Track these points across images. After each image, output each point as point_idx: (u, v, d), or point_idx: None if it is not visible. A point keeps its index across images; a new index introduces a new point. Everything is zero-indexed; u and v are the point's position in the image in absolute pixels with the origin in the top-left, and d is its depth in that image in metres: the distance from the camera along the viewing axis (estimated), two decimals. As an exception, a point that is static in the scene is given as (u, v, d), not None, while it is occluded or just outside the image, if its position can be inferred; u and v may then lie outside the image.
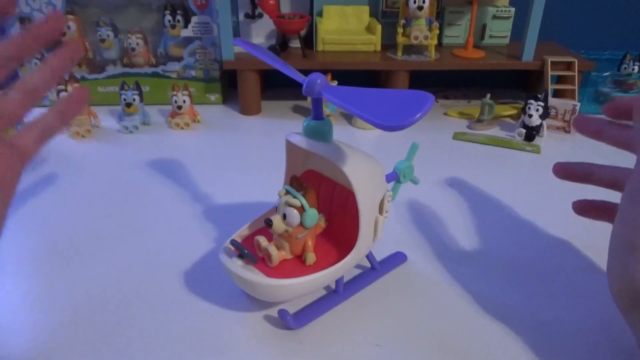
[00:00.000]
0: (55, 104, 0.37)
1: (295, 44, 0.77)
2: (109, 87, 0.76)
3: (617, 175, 0.37)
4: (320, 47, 0.76)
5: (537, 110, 0.66)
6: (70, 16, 0.72)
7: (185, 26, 0.74)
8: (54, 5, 0.70)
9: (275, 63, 0.37)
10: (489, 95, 0.71)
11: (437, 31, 0.73)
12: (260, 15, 0.78)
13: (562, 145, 0.67)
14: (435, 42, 0.74)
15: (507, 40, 0.82)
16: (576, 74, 0.73)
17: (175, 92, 0.68)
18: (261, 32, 0.80)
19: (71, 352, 0.33)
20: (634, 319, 0.30)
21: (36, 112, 0.35)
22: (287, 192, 0.34)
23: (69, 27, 0.72)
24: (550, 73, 0.73)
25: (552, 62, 0.73)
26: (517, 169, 0.60)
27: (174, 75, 0.77)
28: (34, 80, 0.35)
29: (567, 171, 0.41)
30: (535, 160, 0.63)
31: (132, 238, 0.46)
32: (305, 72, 0.34)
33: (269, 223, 0.34)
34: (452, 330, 0.36)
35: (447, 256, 0.44)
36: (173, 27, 0.74)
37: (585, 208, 0.41)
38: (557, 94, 0.74)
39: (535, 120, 0.67)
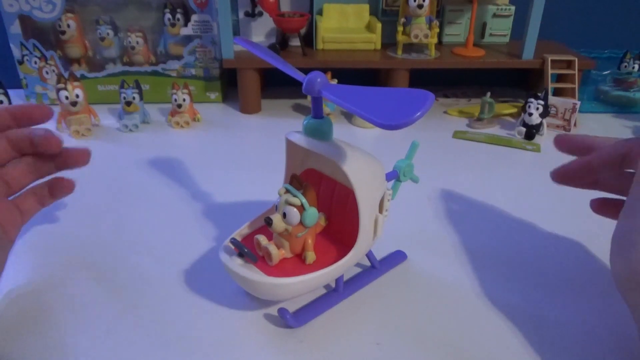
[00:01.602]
0: (51, 179, 0.43)
1: (295, 42, 0.77)
2: (109, 85, 0.76)
3: (620, 151, 0.35)
4: (320, 46, 0.76)
5: (537, 108, 0.66)
6: (70, 14, 0.72)
7: (185, 24, 0.74)
8: (54, 4, 0.70)
9: (275, 61, 0.37)
10: (489, 94, 0.71)
11: (437, 29, 0.73)
12: (260, 14, 0.78)
13: (562, 143, 0.67)
14: (435, 40, 0.74)
15: (507, 39, 0.82)
16: (576, 72, 0.73)
17: (175, 91, 0.68)
18: (261, 31, 0.80)
19: (69, 349, 0.33)
20: (635, 301, 0.30)
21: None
22: (287, 191, 0.34)
23: (68, 26, 0.72)
24: (550, 71, 0.72)
25: (552, 61, 0.73)
26: (517, 168, 0.60)
27: (173, 74, 0.77)
28: (40, 161, 0.41)
29: (564, 173, 0.40)
30: (535, 158, 0.63)
31: (132, 236, 0.46)
32: (305, 71, 0.34)
33: (268, 222, 0.34)
34: (452, 329, 0.36)
35: (447, 255, 0.44)
36: (173, 25, 0.74)
37: (601, 206, 0.41)
38: (557, 92, 0.74)
39: (536, 119, 0.67)
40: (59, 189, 0.43)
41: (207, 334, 0.35)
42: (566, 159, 0.40)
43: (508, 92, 0.84)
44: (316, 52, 0.76)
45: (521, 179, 0.57)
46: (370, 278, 0.40)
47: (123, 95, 0.68)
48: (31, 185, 0.42)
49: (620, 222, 0.32)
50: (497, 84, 0.87)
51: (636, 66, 0.77)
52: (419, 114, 0.27)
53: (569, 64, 0.74)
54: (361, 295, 0.39)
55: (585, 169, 0.38)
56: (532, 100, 0.67)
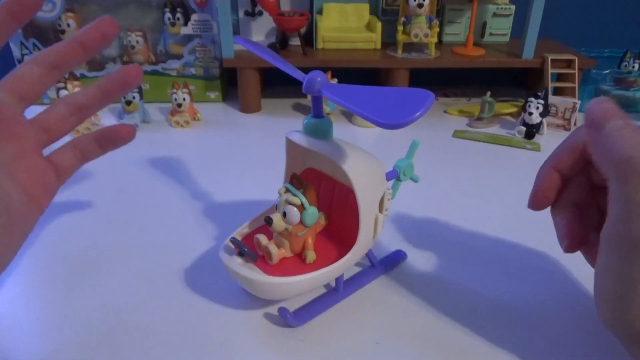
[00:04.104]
0: (97, 131, 0.36)
1: (295, 41, 0.77)
2: (109, 85, 0.76)
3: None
4: (320, 45, 0.76)
5: (537, 108, 0.66)
6: (69, 14, 0.72)
7: (185, 24, 0.74)
8: (54, 3, 0.70)
9: (275, 61, 0.37)
10: (489, 93, 0.71)
11: (437, 29, 0.73)
12: (260, 13, 0.78)
13: (562, 143, 0.67)
14: (435, 39, 0.74)
15: (507, 38, 0.82)
16: (576, 71, 0.73)
17: (175, 90, 0.68)
18: (261, 30, 0.80)
19: (69, 347, 0.33)
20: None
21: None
22: (287, 190, 0.34)
23: (68, 25, 0.72)
24: (550, 71, 0.72)
25: (552, 60, 0.73)
26: (517, 167, 0.60)
27: (173, 73, 0.77)
28: (82, 97, 0.34)
29: (542, 194, 0.36)
30: (535, 158, 0.63)
31: (132, 236, 0.46)
32: (305, 70, 0.34)
33: (268, 221, 0.34)
34: (452, 328, 0.36)
35: (446, 254, 0.44)
36: (173, 24, 0.74)
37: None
38: (557, 91, 0.74)
39: (536, 118, 0.67)
40: (114, 139, 0.36)
41: (206, 333, 0.35)
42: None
43: (508, 92, 0.84)
44: (316, 51, 0.76)
45: (521, 178, 0.57)
46: (370, 277, 0.40)
47: (123, 94, 0.68)
48: (72, 140, 0.36)
49: (610, 258, 0.27)
50: (497, 83, 0.87)
51: (636, 65, 0.77)
52: (419, 113, 0.27)
53: (569, 63, 0.74)
54: (361, 294, 0.39)
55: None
56: (532, 99, 0.67)
